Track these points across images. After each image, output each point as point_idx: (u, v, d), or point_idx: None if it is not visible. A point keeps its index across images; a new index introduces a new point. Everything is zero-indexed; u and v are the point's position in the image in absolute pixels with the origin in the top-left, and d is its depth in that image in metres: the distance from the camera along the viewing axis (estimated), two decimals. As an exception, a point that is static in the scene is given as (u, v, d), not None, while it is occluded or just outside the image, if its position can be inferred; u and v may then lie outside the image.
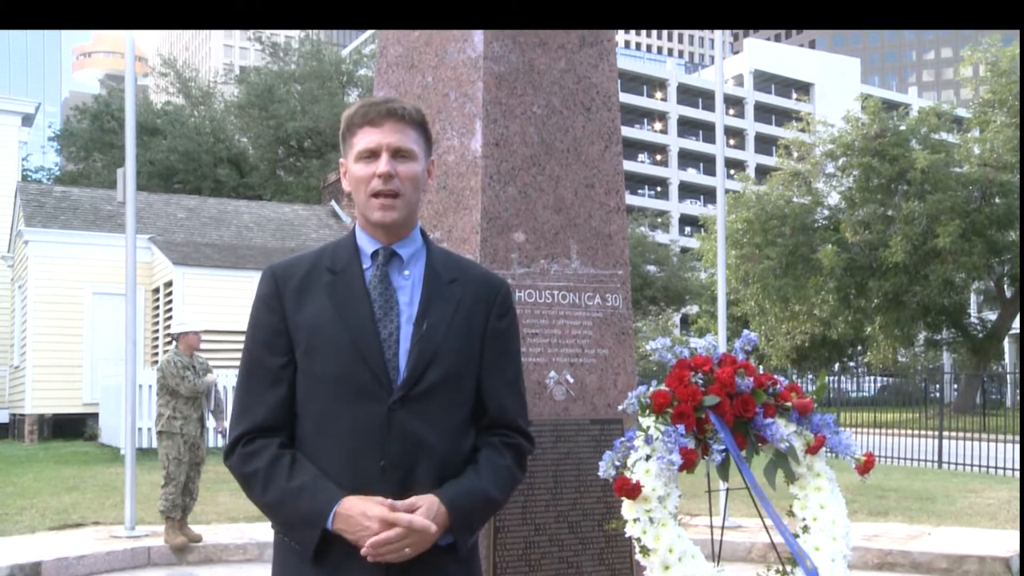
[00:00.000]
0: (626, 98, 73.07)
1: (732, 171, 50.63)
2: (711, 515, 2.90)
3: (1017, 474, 13.82)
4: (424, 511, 1.93)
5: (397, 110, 2.09)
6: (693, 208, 74.10)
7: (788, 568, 2.53)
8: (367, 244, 2.13)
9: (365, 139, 2.08)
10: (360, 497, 1.94)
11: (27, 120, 28.52)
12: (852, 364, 40.74)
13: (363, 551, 1.90)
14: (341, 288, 2.08)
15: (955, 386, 25.84)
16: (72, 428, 19.30)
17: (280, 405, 2.06)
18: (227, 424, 8.33)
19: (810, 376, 25.56)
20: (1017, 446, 14.59)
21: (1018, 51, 27.01)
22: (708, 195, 76.27)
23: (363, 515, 1.91)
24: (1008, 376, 24.27)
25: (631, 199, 67.63)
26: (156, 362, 18.62)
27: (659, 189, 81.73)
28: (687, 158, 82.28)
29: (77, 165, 38.24)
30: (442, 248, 2.25)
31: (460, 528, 1.99)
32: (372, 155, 2.07)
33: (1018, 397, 20.90)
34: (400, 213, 2.08)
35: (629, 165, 71.17)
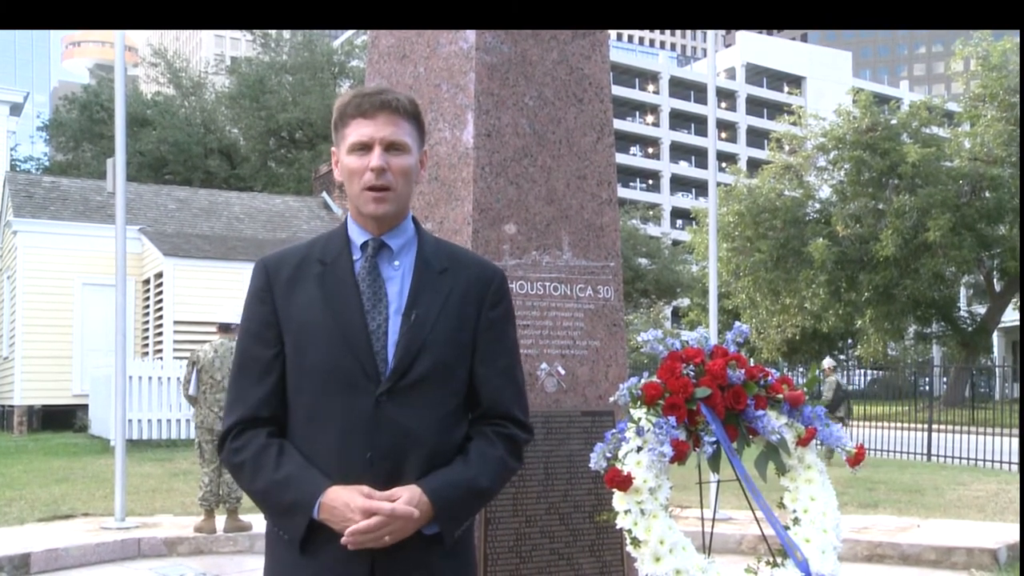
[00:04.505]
0: (618, 91, 72.97)
1: (724, 164, 50.68)
2: (702, 507, 2.89)
3: (1005, 467, 13.91)
4: (404, 501, 1.92)
5: (391, 102, 2.07)
6: (684, 201, 74.15)
7: (779, 560, 2.53)
8: (357, 235, 2.12)
9: (358, 131, 2.06)
10: (344, 487, 1.94)
11: (15, 109, 28.35)
12: (842, 357, 40.88)
13: (343, 540, 1.91)
14: (330, 280, 2.07)
15: (944, 379, 25.97)
16: (61, 419, 19.24)
17: (270, 396, 2.06)
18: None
19: (801, 369, 25.62)
20: (1006, 439, 14.69)
21: (1008, 45, 27.11)
22: (700, 188, 76.32)
23: (346, 506, 1.91)
24: (997, 369, 24.40)
25: (623, 192, 67.63)
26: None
27: (651, 182, 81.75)
28: (679, 151, 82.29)
29: (66, 155, 38.03)
30: (434, 237, 2.23)
31: (445, 518, 1.98)
32: (365, 148, 2.05)
33: (1007, 390, 21.03)
34: (393, 205, 2.08)
35: (621, 158, 71.16)
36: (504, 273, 2.24)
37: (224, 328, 8.58)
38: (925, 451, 15.93)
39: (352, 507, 1.90)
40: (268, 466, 2.00)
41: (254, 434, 2.04)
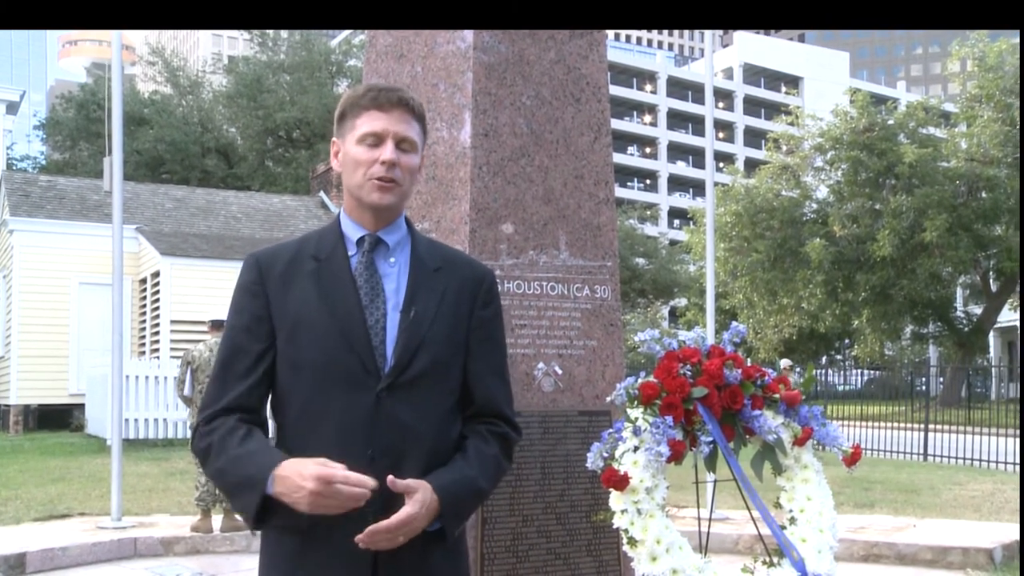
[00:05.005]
0: (615, 91, 72.96)
1: (721, 164, 50.70)
2: (699, 507, 2.90)
3: (1001, 466, 13.93)
4: (420, 496, 1.92)
5: (407, 100, 2.10)
6: (682, 201, 74.12)
7: (775, 559, 2.54)
8: (352, 231, 2.12)
9: (371, 123, 2.07)
10: (300, 459, 1.90)
11: (12, 108, 28.30)
12: (839, 357, 40.92)
13: (357, 538, 1.89)
14: (326, 275, 2.06)
15: (941, 379, 25.99)
16: (58, 419, 19.21)
17: (252, 389, 2.04)
18: None
19: (797, 369, 25.62)
20: (1002, 439, 14.71)
21: (1004, 46, 27.14)
22: (697, 188, 76.36)
23: (299, 475, 1.86)
24: (993, 370, 24.44)
25: (620, 192, 67.64)
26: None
27: (648, 182, 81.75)
28: (676, 151, 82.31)
29: (63, 154, 37.95)
30: (427, 237, 2.25)
31: (450, 515, 1.99)
32: (377, 140, 2.06)
33: (1003, 390, 21.07)
34: (396, 198, 2.09)
35: (618, 158, 71.12)
36: (494, 273, 2.26)
37: (217, 325, 8.57)
38: (921, 451, 15.94)
39: (304, 475, 1.85)
40: (232, 444, 1.96)
41: (224, 419, 2.01)
